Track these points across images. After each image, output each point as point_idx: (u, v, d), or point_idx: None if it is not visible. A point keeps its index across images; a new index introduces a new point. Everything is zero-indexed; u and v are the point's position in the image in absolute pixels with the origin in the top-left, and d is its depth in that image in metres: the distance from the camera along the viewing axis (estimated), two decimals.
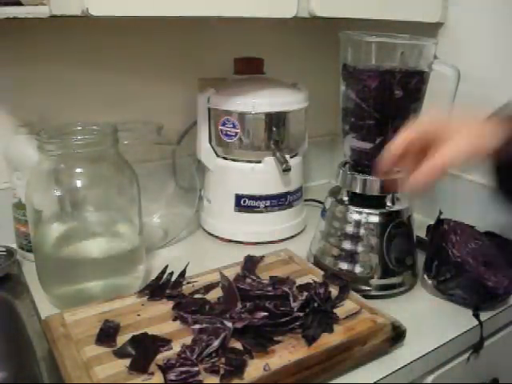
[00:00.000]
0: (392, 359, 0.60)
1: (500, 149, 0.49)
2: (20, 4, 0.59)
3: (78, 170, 0.64)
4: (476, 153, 0.50)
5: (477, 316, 0.68)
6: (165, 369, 0.51)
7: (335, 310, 0.62)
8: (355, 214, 0.72)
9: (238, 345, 0.55)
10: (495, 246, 0.75)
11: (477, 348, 0.68)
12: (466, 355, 0.68)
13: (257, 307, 0.60)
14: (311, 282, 0.67)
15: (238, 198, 0.85)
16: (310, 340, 0.56)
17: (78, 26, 0.79)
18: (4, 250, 0.77)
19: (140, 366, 0.52)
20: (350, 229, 0.72)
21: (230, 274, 0.70)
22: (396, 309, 0.65)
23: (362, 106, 0.70)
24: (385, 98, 0.69)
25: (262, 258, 0.75)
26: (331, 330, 0.58)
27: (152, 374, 0.51)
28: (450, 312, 0.69)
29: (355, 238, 0.72)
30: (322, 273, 0.71)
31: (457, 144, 0.50)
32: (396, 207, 0.73)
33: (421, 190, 0.50)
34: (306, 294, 0.63)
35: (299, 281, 0.68)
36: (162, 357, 0.53)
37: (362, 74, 0.69)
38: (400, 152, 0.54)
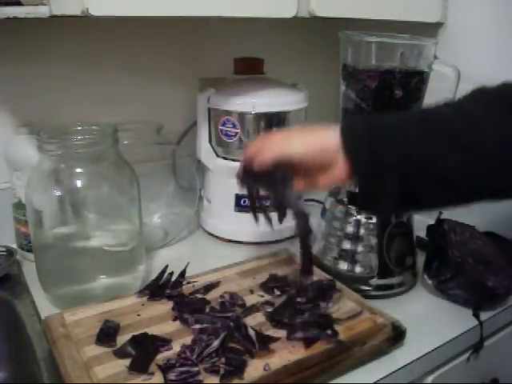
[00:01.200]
0: (392, 359, 0.60)
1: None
2: (20, 4, 0.59)
3: (78, 170, 0.64)
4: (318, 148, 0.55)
5: (477, 316, 0.68)
6: (165, 369, 0.51)
7: (334, 311, 0.62)
8: (355, 214, 0.72)
9: (238, 345, 0.55)
10: (495, 246, 0.75)
11: (477, 348, 0.68)
12: (466, 355, 0.68)
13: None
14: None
15: (238, 198, 0.85)
16: (308, 343, 0.56)
17: (78, 25, 0.79)
18: (4, 249, 0.77)
19: (140, 365, 0.52)
20: (349, 229, 0.72)
21: (231, 273, 0.71)
22: (396, 309, 0.65)
23: (361, 105, 0.70)
24: (385, 97, 0.69)
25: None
26: (333, 334, 0.58)
27: (152, 373, 0.51)
28: (450, 312, 0.69)
29: (355, 238, 0.72)
30: (322, 273, 0.71)
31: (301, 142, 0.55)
32: None
33: None
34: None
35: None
36: (161, 357, 0.53)
37: (362, 74, 0.69)
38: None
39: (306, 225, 0.60)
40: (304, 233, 0.60)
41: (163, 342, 0.55)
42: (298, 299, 0.63)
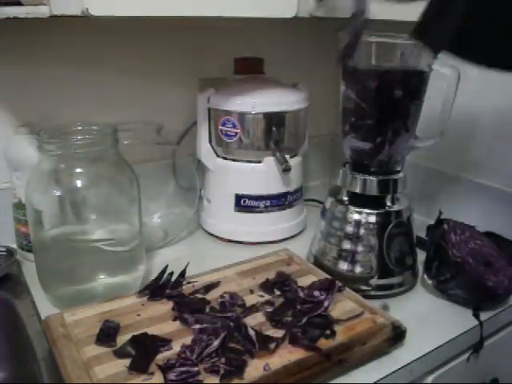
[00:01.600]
0: (392, 359, 0.60)
1: None
2: (20, 4, 0.59)
3: (78, 170, 0.64)
4: None
5: (477, 316, 0.68)
6: (165, 369, 0.51)
7: (334, 311, 0.62)
8: (355, 214, 0.72)
9: (238, 345, 0.55)
10: (495, 246, 0.75)
11: (477, 348, 0.68)
12: (466, 355, 0.68)
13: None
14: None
15: (238, 197, 0.85)
16: (307, 345, 0.56)
17: (78, 25, 0.79)
18: (4, 250, 0.77)
19: (140, 365, 0.52)
20: (349, 229, 0.72)
21: (231, 273, 0.71)
22: (396, 309, 0.65)
23: (361, 105, 0.70)
24: (385, 98, 0.69)
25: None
26: (332, 334, 0.58)
27: (152, 373, 0.51)
28: (450, 312, 0.69)
29: (355, 237, 0.72)
30: (322, 273, 0.71)
31: None
32: (396, 207, 0.73)
33: None
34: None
35: (299, 281, 0.68)
36: (162, 357, 0.53)
37: (362, 74, 0.69)
38: None
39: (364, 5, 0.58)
40: (359, 12, 0.59)
41: (163, 342, 0.55)
42: (298, 299, 0.63)
